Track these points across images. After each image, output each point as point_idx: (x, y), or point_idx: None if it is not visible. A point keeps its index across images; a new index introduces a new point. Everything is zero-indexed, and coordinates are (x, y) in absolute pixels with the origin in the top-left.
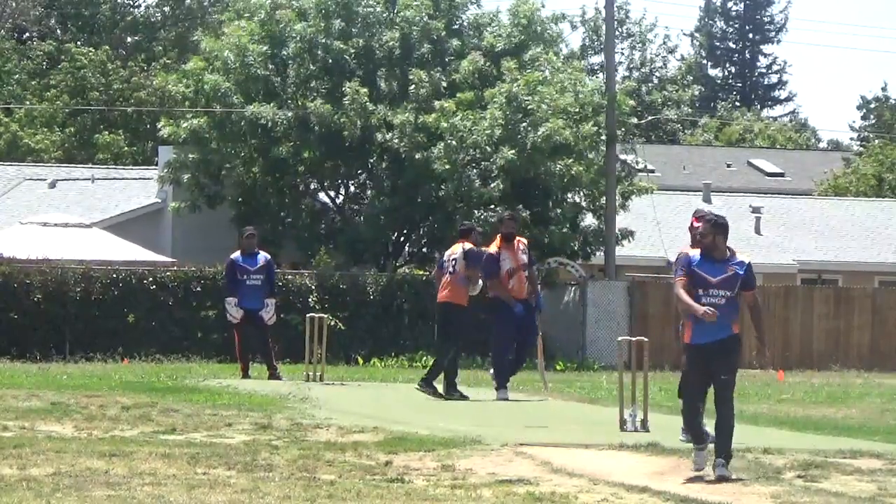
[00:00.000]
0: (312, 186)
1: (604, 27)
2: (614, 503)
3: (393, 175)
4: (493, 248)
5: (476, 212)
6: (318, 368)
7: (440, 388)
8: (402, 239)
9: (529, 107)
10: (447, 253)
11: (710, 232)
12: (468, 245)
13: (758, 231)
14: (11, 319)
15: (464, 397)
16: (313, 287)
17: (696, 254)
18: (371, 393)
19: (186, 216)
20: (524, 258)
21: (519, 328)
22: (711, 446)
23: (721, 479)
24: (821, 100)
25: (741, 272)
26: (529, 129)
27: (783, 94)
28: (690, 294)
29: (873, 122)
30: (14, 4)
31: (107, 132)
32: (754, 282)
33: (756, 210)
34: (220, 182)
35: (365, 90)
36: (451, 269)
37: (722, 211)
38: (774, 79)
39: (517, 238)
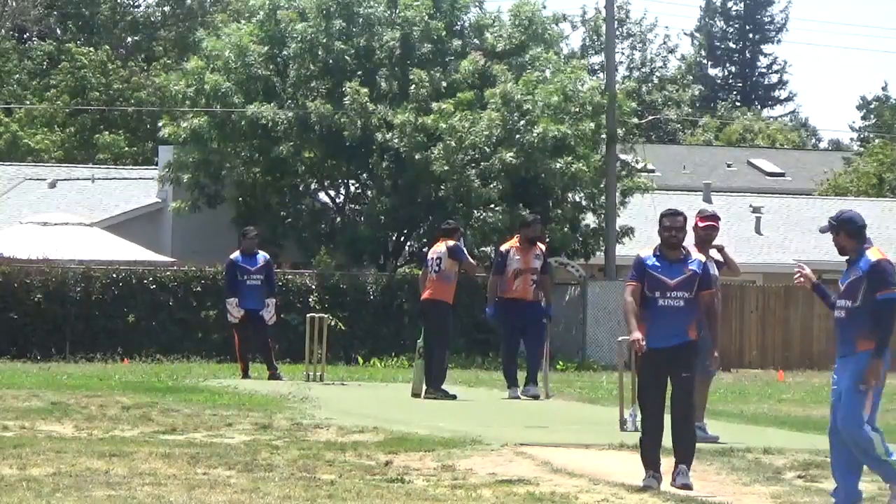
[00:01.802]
0: (312, 186)
1: (604, 27)
2: (614, 503)
3: (393, 175)
4: (505, 247)
5: (476, 212)
6: (319, 368)
7: (448, 389)
8: (402, 239)
9: (527, 107)
10: (430, 252)
11: (685, 227)
12: (451, 242)
13: (758, 231)
14: (11, 319)
15: (449, 396)
16: (313, 287)
17: (648, 254)
18: (371, 393)
19: (187, 216)
20: (536, 263)
21: (521, 329)
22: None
23: (684, 486)
24: (821, 100)
25: (699, 271)
26: (527, 128)
27: (783, 94)
28: (642, 298)
29: (873, 122)
30: (14, 4)
31: (107, 132)
32: (712, 281)
33: (756, 210)
34: (220, 182)
35: (365, 90)
36: (435, 267)
37: (722, 211)
38: (774, 79)
39: (537, 243)
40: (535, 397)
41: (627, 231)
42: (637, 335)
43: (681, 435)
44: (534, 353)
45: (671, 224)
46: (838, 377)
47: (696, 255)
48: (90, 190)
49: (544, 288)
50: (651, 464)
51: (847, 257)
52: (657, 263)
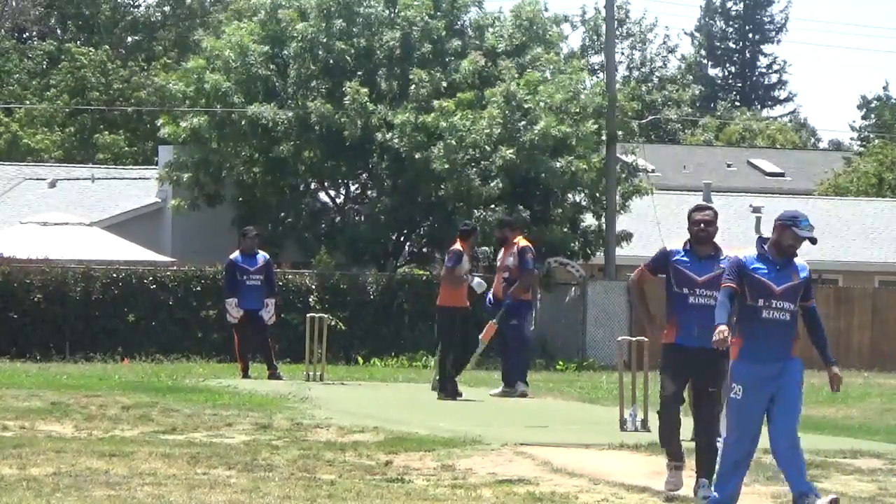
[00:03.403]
0: (312, 186)
1: (604, 27)
2: (614, 503)
3: (393, 175)
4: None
5: (476, 211)
6: (319, 368)
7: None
8: (402, 239)
9: (528, 106)
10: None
11: (715, 221)
12: (457, 246)
13: (758, 231)
14: (11, 319)
15: (449, 396)
16: (313, 287)
17: (677, 248)
18: (371, 393)
19: (187, 215)
20: (510, 261)
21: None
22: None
23: (706, 499)
24: (821, 100)
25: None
26: (528, 127)
27: (783, 94)
28: (670, 295)
29: (874, 121)
30: (14, 4)
31: (107, 132)
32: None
33: (756, 210)
34: (220, 182)
35: (365, 90)
36: (442, 269)
37: (722, 211)
38: (774, 79)
39: (515, 242)
40: (523, 395)
41: (626, 236)
42: (656, 323)
43: (704, 447)
44: (506, 353)
45: (700, 218)
46: (766, 381)
47: (728, 253)
48: (90, 190)
49: (520, 283)
50: (673, 455)
51: (786, 258)
52: (685, 258)
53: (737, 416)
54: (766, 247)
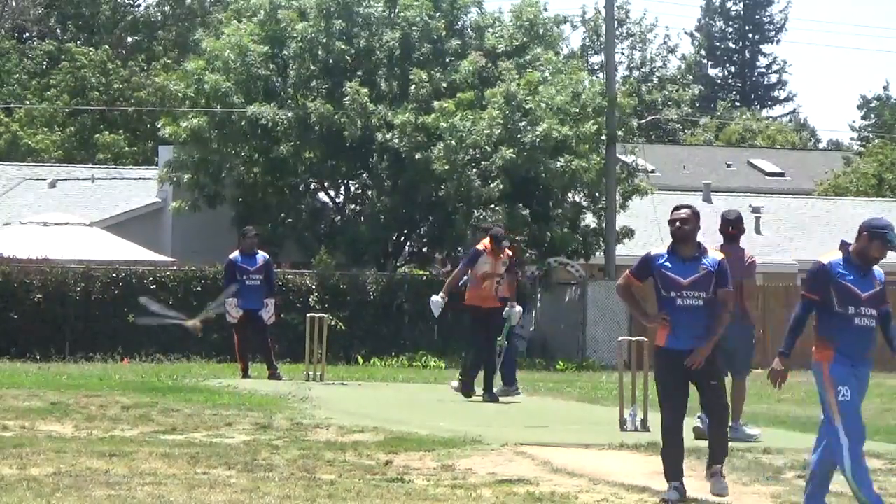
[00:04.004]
0: (312, 186)
1: (604, 27)
2: (614, 503)
3: (393, 175)
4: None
5: (476, 211)
6: (318, 368)
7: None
8: (402, 239)
9: (529, 106)
10: None
11: (692, 219)
12: (479, 245)
13: (758, 231)
14: (11, 319)
15: (462, 392)
16: (313, 287)
17: (660, 252)
18: (371, 393)
19: (187, 215)
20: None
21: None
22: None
23: (719, 491)
24: (821, 100)
25: (713, 269)
26: (528, 128)
27: (783, 94)
28: (659, 300)
29: (874, 121)
30: (14, 4)
31: (107, 132)
32: (728, 280)
33: (756, 210)
34: (220, 182)
35: (365, 90)
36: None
37: (721, 211)
38: (774, 79)
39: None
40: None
41: (628, 232)
42: (654, 315)
43: (716, 437)
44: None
45: (676, 217)
46: (859, 382)
47: (713, 254)
48: (90, 190)
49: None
50: (673, 475)
51: (868, 266)
52: (668, 263)
53: (849, 416)
54: (850, 251)
